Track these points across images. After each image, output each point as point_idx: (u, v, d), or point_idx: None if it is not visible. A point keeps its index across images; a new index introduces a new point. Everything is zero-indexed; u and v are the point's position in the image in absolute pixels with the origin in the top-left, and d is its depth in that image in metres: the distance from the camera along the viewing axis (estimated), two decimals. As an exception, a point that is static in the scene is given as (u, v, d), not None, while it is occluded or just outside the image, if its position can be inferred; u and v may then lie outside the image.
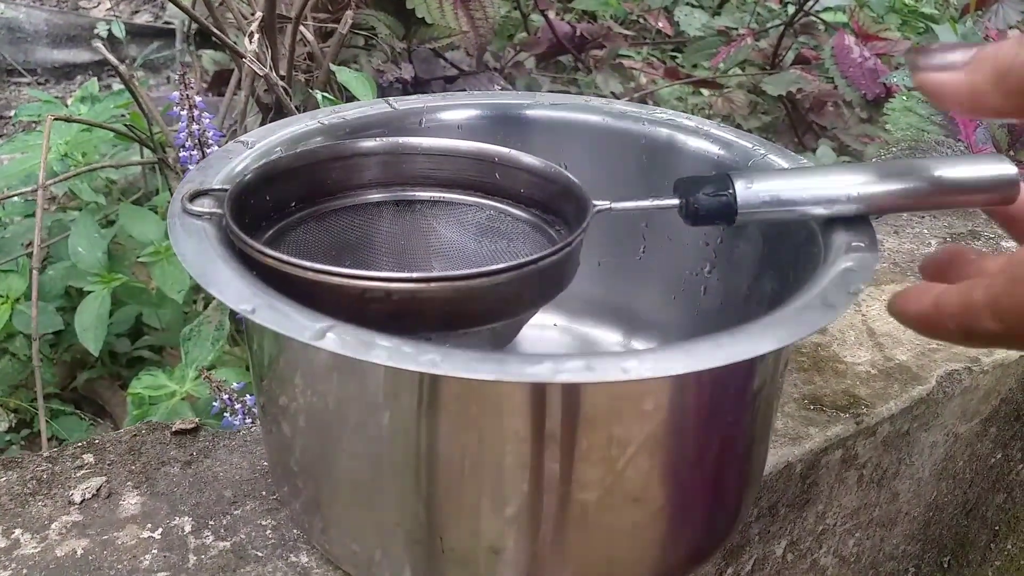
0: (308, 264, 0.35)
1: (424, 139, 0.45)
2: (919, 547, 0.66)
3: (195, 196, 0.39)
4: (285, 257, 0.35)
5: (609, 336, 0.56)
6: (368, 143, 0.45)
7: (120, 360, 1.12)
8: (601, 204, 0.41)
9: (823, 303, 0.32)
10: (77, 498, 0.44)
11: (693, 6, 1.86)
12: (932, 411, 0.56)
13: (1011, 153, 0.95)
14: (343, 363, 0.34)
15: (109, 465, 0.46)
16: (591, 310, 0.56)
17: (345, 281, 0.35)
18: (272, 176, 0.42)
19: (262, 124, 0.99)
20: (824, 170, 0.39)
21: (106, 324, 0.91)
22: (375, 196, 0.45)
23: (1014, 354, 0.59)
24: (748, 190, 0.38)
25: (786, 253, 0.43)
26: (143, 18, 1.88)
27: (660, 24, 1.53)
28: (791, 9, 1.51)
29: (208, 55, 1.53)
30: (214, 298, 1.19)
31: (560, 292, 0.42)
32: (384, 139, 0.45)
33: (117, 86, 1.62)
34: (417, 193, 0.45)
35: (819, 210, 0.38)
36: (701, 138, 0.49)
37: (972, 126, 0.95)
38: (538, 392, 0.32)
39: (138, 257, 1.00)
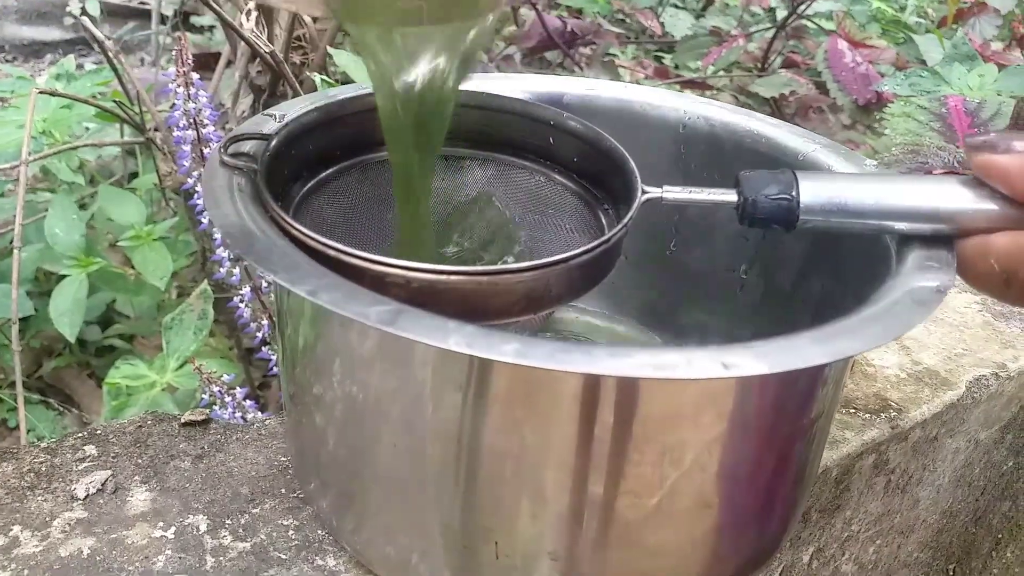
0: (329, 243, 0.33)
1: (479, 93, 0.43)
2: (930, 554, 0.65)
3: (234, 140, 0.37)
4: (309, 232, 0.33)
5: (635, 334, 0.54)
6: None
7: (89, 349, 1.08)
8: (652, 191, 0.39)
9: (913, 300, 0.31)
10: (81, 493, 0.41)
11: (678, 7, 1.85)
12: (960, 417, 0.55)
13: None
14: (389, 349, 0.32)
15: (114, 458, 0.43)
16: (616, 305, 0.55)
17: (366, 265, 0.32)
18: (317, 124, 0.40)
19: (253, 106, 0.96)
20: (904, 179, 0.36)
21: (83, 310, 0.87)
22: None
23: (1039, 360, 0.58)
24: (814, 196, 0.35)
25: (840, 250, 0.42)
26: (115, -3, 1.82)
27: (650, 23, 1.51)
28: (779, 13, 1.51)
29: (186, 37, 1.47)
30: (192, 285, 1.14)
31: (594, 287, 0.40)
32: None
33: (89, 66, 1.56)
34: (466, 151, 0.43)
35: (893, 224, 0.35)
36: (744, 129, 0.47)
37: (972, 132, 0.95)
38: (607, 385, 0.30)
39: (117, 241, 0.96)
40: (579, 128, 0.42)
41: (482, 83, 0.49)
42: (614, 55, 1.67)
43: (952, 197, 0.34)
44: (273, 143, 0.37)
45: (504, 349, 0.26)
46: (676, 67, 1.64)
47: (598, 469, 0.31)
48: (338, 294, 0.28)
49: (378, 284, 0.31)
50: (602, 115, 0.50)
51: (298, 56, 0.92)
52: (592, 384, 0.30)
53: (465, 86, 0.42)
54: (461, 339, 0.26)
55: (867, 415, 0.50)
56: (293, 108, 0.44)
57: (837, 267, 0.42)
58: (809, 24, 1.53)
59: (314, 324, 0.35)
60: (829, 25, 1.59)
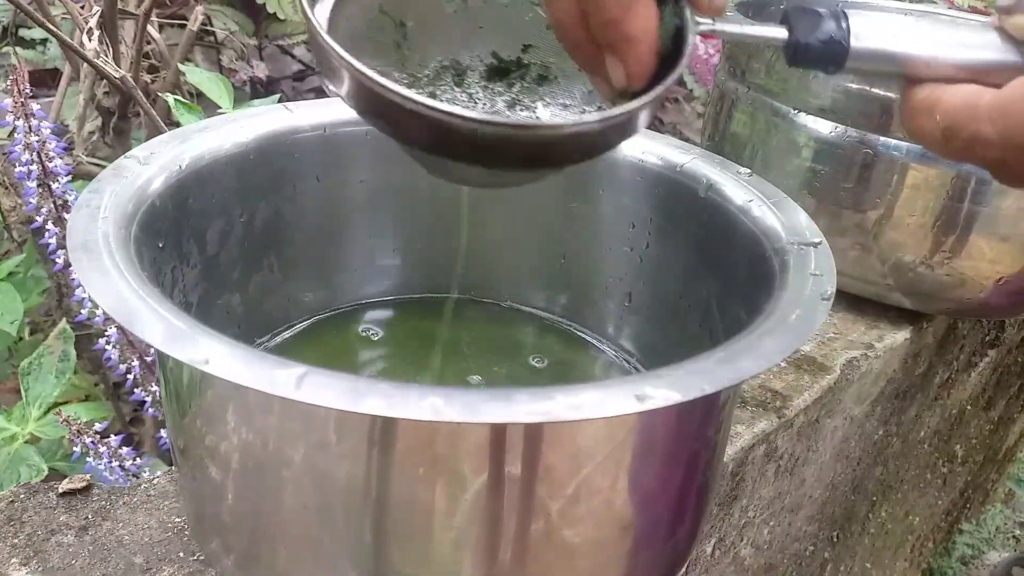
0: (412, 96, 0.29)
1: None
2: (816, 526, 0.69)
3: None
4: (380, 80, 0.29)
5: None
6: None
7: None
8: (704, 22, 0.34)
9: (804, 311, 0.32)
10: (-49, 586, 0.37)
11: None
12: (836, 398, 0.58)
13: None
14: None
15: (-15, 541, 0.39)
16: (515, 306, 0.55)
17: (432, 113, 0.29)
18: None
19: (103, 129, 0.90)
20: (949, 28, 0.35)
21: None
22: None
23: (900, 338, 0.62)
24: (860, 42, 0.34)
25: (723, 256, 0.43)
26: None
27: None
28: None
29: (21, 61, 1.36)
30: (45, 321, 1.06)
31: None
32: None
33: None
34: None
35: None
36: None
37: None
38: (516, 428, 0.30)
39: (-46, 284, 0.88)
40: None
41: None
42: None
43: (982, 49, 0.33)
44: None
45: (422, 406, 0.25)
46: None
47: (510, 511, 0.31)
48: (237, 362, 0.26)
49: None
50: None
51: (148, 75, 0.87)
52: (500, 428, 0.30)
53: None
54: (377, 401, 0.25)
55: (755, 408, 0.52)
56: (159, 147, 0.42)
57: (720, 273, 0.43)
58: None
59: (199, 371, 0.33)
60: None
